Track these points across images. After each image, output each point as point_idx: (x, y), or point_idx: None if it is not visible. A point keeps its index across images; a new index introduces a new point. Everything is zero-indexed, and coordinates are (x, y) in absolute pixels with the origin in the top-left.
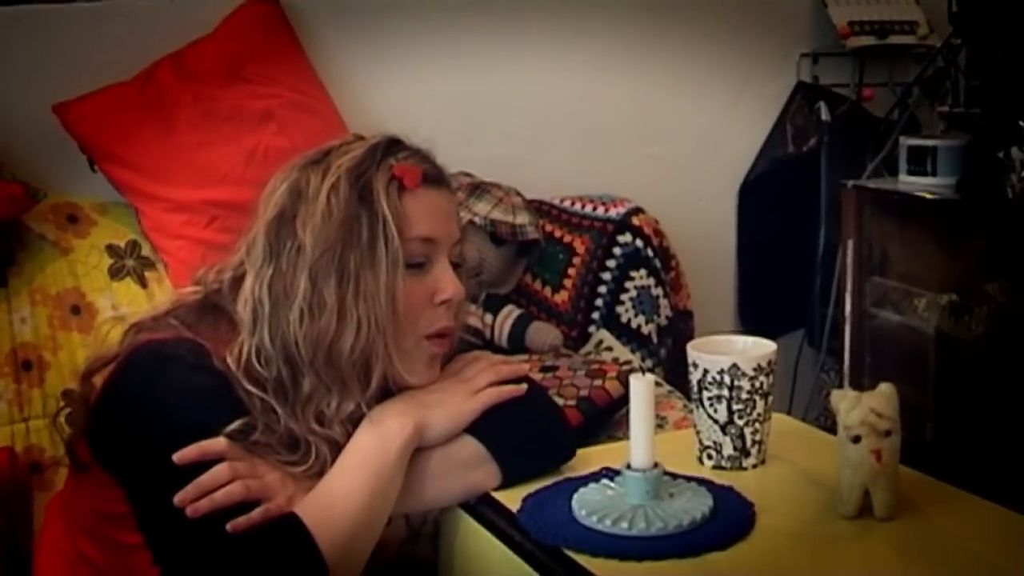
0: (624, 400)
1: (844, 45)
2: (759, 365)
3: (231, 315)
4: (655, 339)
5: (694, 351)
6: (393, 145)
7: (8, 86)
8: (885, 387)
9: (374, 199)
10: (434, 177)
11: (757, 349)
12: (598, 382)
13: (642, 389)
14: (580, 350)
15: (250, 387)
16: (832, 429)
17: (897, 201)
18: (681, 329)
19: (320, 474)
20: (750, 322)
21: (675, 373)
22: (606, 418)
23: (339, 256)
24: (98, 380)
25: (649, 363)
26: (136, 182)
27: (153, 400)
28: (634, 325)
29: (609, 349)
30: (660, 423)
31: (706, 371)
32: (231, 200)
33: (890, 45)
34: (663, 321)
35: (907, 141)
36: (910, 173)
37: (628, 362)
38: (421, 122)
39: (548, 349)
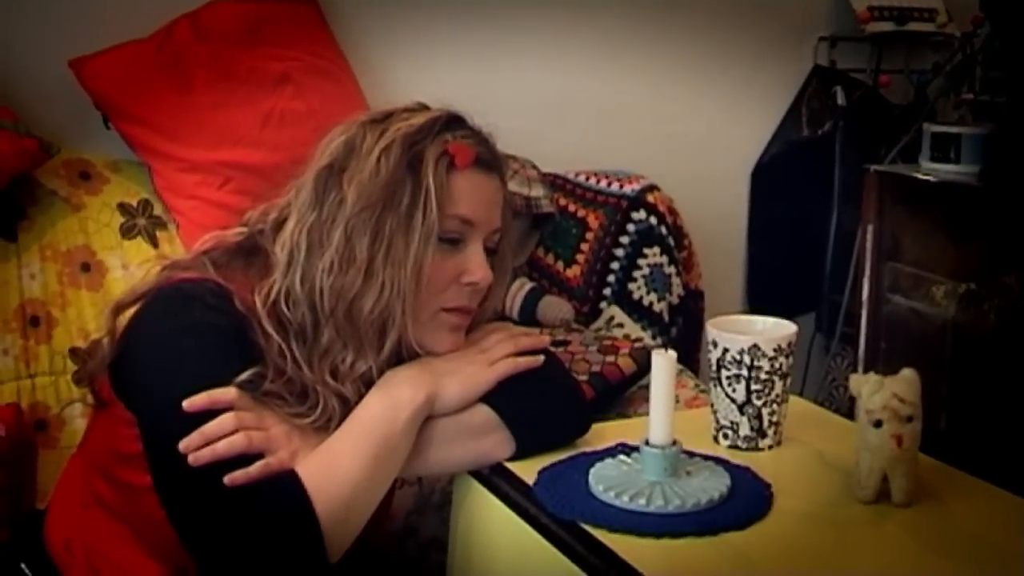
0: (636, 377)
1: (863, 30)
2: (779, 346)
3: (268, 256)
4: (666, 317)
5: (714, 329)
6: (454, 122)
7: (25, 40)
8: (908, 372)
9: (422, 169)
10: (487, 162)
11: (778, 330)
12: (610, 358)
13: (664, 365)
14: (591, 326)
15: (271, 330)
16: (843, 414)
17: (919, 188)
18: (692, 309)
19: (327, 427)
20: (759, 305)
21: (685, 352)
22: (617, 395)
23: (377, 216)
24: (127, 315)
25: (660, 341)
26: (150, 140)
27: (169, 342)
28: (646, 303)
29: (620, 326)
30: None
31: (726, 350)
32: (246, 162)
33: (909, 32)
34: (675, 300)
35: (931, 128)
36: (933, 160)
37: (639, 339)
38: (438, 91)
39: (559, 324)
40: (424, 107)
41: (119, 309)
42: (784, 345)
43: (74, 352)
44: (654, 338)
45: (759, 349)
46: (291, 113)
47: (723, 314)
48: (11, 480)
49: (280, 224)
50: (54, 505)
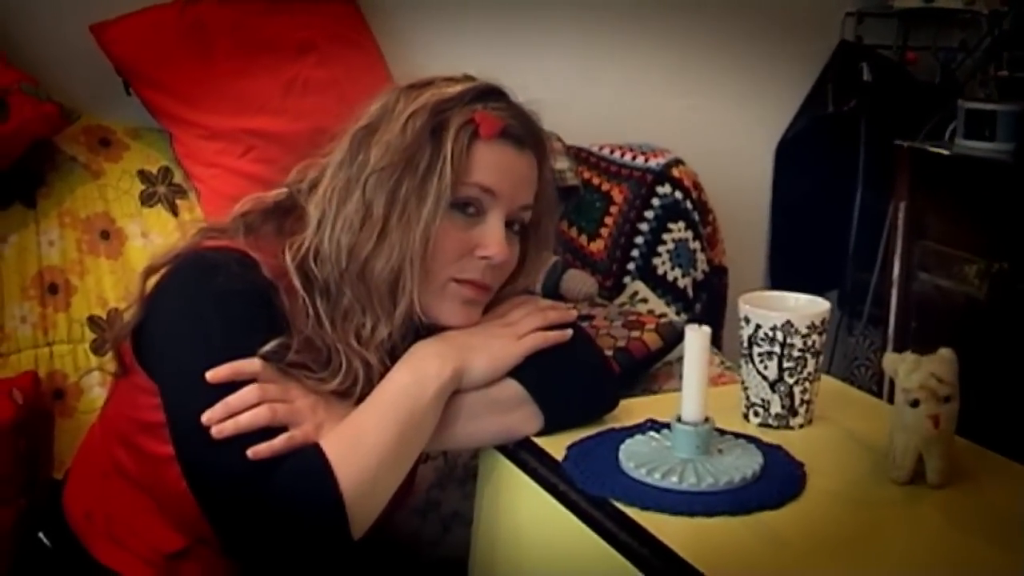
0: (662, 353)
1: (891, 6)
2: (813, 323)
3: (303, 214)
4: (691, 293)
5: (746, 305)
6: (490, 93)
7: (47, 5)
8: (946, 352)
9: (444, 137)
10: (516, 136)
11: (811, 307)
12: (636, 333)
13: (697, 341)
14: (615, 300)
15: (298, 284)
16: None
17: (952, 165)
18: (716, 285)
19: (351, 392)
20: (781, 281)
21: (711, 328)
22: (643, 370)
23: (395, 179)
24: (155, 279)
25: (685, 317)
26: (172, 107)
27: (193, 311)
28: (670, 278)
29: (644, 301)
30: None
31: (758, 326)
32: (268, 130)
33: (936, 8)
34: (699, 275)
35: (965, 105)
36: (967, 137)
37: (664, 315)
38: (461, 60)
39: (583, 298)
40: (469, 78)
41: (151, 271)
42: (818, 322)
43: (92, 320)
44: (678, 314)
45: (792, 326)
46: (314, 81)
47: (745, 290)
48: (29, 449)
49: (316, 182)
50: (73, 474)
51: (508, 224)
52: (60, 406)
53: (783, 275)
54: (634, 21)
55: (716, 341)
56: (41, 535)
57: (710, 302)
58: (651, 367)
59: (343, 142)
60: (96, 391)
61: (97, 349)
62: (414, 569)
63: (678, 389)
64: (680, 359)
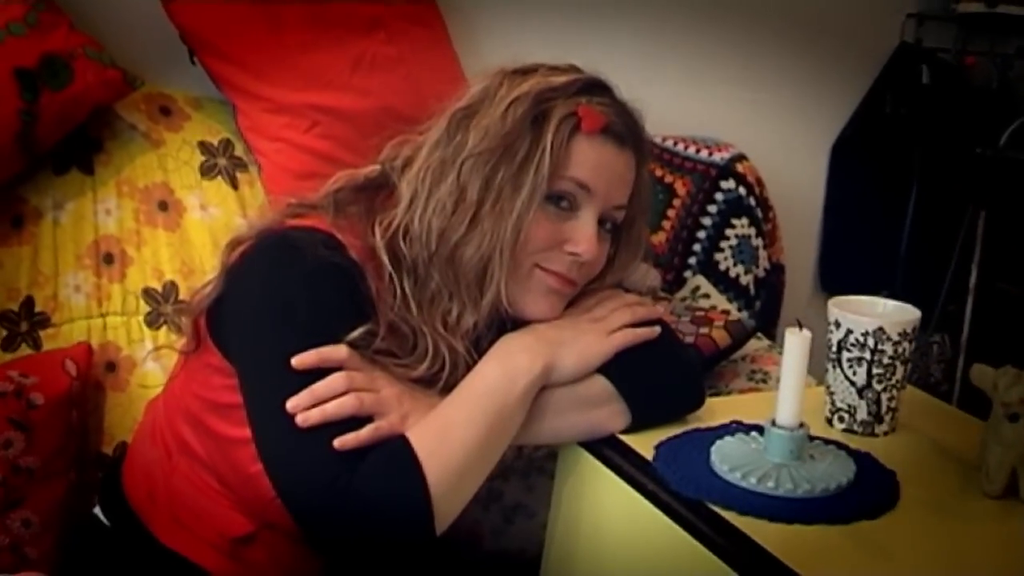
0: (729, 351)
1: (953, 9)
2: (904, 330)
3: (394, 190)
4: (752, 291)
5: (837, 310)
6: (595, 87)
7: None
8: None
9: (545, 127)
10: (618, 134)
11: (902, 314)
12: (704, 330)
13: (797, 345)
14: (675, 294)
15: (386, 260)
16: None
17: None
18: (774, 283)
19: (437, 379)
20: (831, 280)
21: (765, 327)
22: (710, 368)
23: (492, 165)
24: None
25: (746, 314)
26: (237, 78)
27: (277, 293)
28: (732, 274)
29: (707, 296)
30: (763, 378)
31: (849, 331)
32: (334, 106)
33: (997, 14)
34: (761, 273)
35: None
36: None
37: (727, 311)
38: (526, 50)
39: (646, 291)
40: (574, 69)
41: (235, 245)
42: (909, 330)
43: (147, 293)
44: (740, 311)
45: (884, 332)
46: (382, 58)
47: (795, 288)
48: (80, 422)
49: (410, 160)
50: (133, 451)
51: (600, 222)
52: (112, 379)
53: (833, 275)
54: (698, 15)
55: (771, 339)
56: (99, 512)
57: (768, 300)
58: (717, 365)
59: (440, 121)
60: (149, 365)
61: (152, 322)
62: (475, 560)
63: (745, 389)
64: (744, 357)
